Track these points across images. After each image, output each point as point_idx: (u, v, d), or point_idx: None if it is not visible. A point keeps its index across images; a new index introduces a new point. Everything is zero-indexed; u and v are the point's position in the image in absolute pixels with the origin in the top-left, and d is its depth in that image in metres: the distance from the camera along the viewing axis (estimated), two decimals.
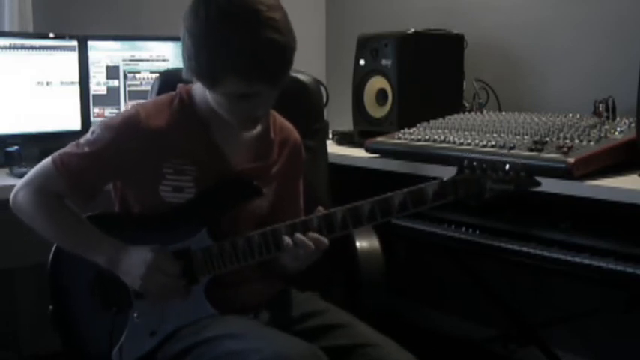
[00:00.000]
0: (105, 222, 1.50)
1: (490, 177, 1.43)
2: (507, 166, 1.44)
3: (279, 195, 1.58)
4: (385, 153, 2.17)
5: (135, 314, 1.46)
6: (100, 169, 1.47)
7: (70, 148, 1.49)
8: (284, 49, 1.35)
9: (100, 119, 2.43)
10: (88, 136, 1.48)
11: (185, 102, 1.50)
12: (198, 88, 1.49)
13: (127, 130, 1.45)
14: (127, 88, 2.51)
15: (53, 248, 1.56)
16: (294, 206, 1.61)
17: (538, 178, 1.49)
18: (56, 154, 1.48)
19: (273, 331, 1.40)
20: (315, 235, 1.40)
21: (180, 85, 1.52)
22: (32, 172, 1.51)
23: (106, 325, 1.46)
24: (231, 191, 1.49)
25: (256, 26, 1.31)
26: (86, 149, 1.46)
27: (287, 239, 1.40)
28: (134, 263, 1.42)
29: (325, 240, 1.40)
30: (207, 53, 1.34)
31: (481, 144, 1.91)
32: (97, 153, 1.45)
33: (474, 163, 1.43)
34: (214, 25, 1.32)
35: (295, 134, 1.64)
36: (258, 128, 1.54)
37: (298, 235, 1.40)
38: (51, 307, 1.58)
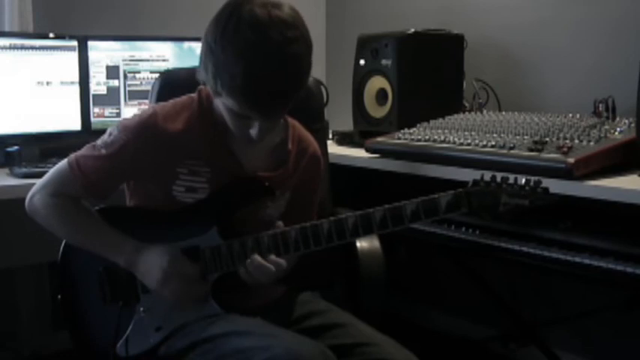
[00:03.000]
0: (114, 216, 1.51)
1: (505, 190, 1.38)
2: (524, 180, 1.39)
3: (292, 205, 1.57)
4: (385, 153, 2.17)
5: (141, 309, 1.47)
6: (116, 171, 1.47)
7: (86, 150, 1.49)
8: (288, 88, 1.33)
9: (100, 119, 2.44)
10: (105, 137, 1.48)
11: (204, 105, 1.49)
12: None
13: (144, 131, 1.44)
14: (127, 88, 2.51)
15: (64, 240, 1.56)
16: (307, 218, 1.57)
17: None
18: (72, 156, 1.48)
19: (281, 330, 1.40)
20: (274, 258, 1.40)
21: (201, 88, 1.51)
22: (48, 175, 1.51)
23: (112, 318, 1.47)
24: (242, 191, 1.48)
25: (267, 56, 1.28)
26: (103, 151, 1.46)
27: (242, 269, 1.41)
28: (151, 267, 1.42)
29: (283, 263, 1.40)
30: (212, 63, 1.32)
31: (481, 144, 1.91)
32: (114, 155, 1.45)
33: (490, 176, 1.40)
34: (229, 37, 1.30)
35: (314, 146, 1.62)
36: (277, 138, 1.54)
37: (257, 259, 1.39)
38: (59, 296, 1.57)
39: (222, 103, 1.39)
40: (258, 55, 1.28)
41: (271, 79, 1.30)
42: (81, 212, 1.49)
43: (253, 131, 1.39)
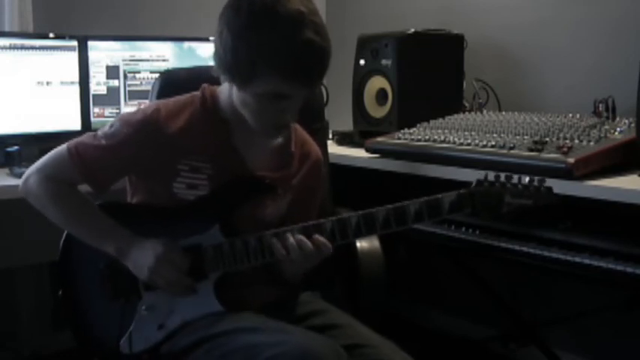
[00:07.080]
0: (116, 211, 1.50)
1: (509, 190, 1.38)
2: (527, 180, 1.39)
3: (292, 207, 1.57)
4: (385, 153, 2.17)
5: (143, 307, 1.47)
6: (115, 163, 1.47)
7: (86, 138, 1.48)
8: (324, 53, 1.35)
9: (100, 119, 2.44)
10: (106, 129, 1.47)
11: (208, 103, 1.49)
12: (223, 90, 1.48)
13: (146, 128, 1.44)
14: (127, 88, 2.51)
15: (64, 235, 1.55)
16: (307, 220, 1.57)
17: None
18: (72, 142, 1.48)
19: (289, 326, 1.39)
20: (322, 239, 1.38)
21: (204, 86, 1.51)
22: (45, 158, 1.50)
23: (114, 314, 1.47)
24: (244, 188, 1.48)
25: (300, 27, 1.31)
26: (102, 142, 1.45)
27: (291, 239, 1.38)
28: (144, 254, 1.41)
29: (329, 245, 1.39)
30: (247, 48, 1.32)
31: (481, 144, 1.91)
32: (113, 147, 1.44)
33: (494, 176, 1.40)
34: (257, 20, 1.31)
35: (317, 150, 1.63)
36: (280, 139, 1.53)
37: (299, 236, 1.38)
38: (60, 292, 1.57)
39: (247, 96, 1.38)
40: (297, 25, 1.31)
41: (314, 43, 1.32)
42: (76, 198, 1.49)
43: (285, 114, 1.41)
